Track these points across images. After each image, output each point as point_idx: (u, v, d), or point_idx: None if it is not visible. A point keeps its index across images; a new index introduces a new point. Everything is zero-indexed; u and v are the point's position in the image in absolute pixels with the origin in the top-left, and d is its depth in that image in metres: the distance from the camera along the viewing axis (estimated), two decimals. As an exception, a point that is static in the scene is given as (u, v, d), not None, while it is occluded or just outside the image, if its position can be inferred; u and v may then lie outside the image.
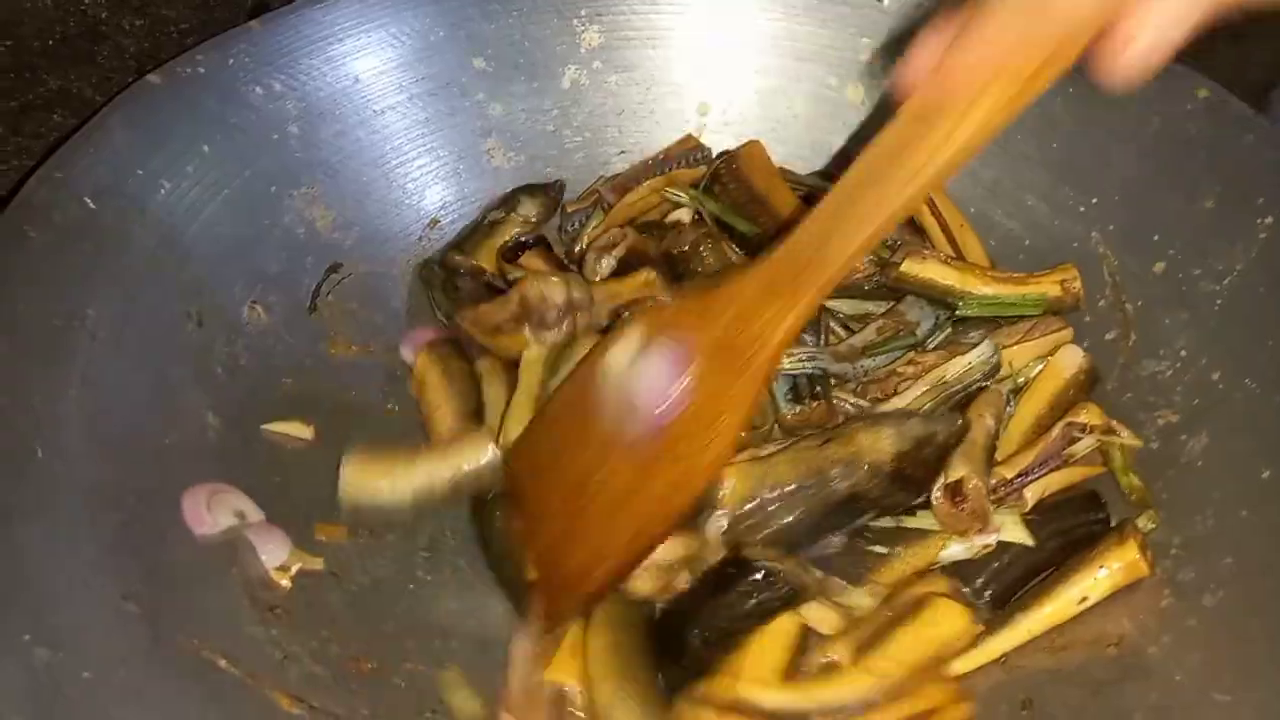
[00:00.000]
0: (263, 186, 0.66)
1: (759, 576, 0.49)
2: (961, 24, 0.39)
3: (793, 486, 0.50)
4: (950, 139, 0.40)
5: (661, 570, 0.50)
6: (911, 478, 0.51)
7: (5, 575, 0.40)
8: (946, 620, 0.52)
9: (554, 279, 0.61)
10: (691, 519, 0.50)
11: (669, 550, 0.49)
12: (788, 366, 0.59)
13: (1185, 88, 0.66)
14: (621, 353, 0.51)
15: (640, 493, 0.49)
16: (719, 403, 0.47)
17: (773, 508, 0.50)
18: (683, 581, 0.51)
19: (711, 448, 0.48)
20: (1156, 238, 0.65)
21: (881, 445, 0.50)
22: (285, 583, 0.52)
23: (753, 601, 0.49)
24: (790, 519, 0.50)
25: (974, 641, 0.52)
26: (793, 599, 0.50)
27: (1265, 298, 0.58)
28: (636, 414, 0.49)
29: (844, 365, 0.60)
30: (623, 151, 0.79)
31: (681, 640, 0.49)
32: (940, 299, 0.64)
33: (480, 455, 0.57)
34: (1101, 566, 0.53)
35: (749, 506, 0.50)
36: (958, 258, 0.68)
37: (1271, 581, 0.48)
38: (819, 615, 0.52)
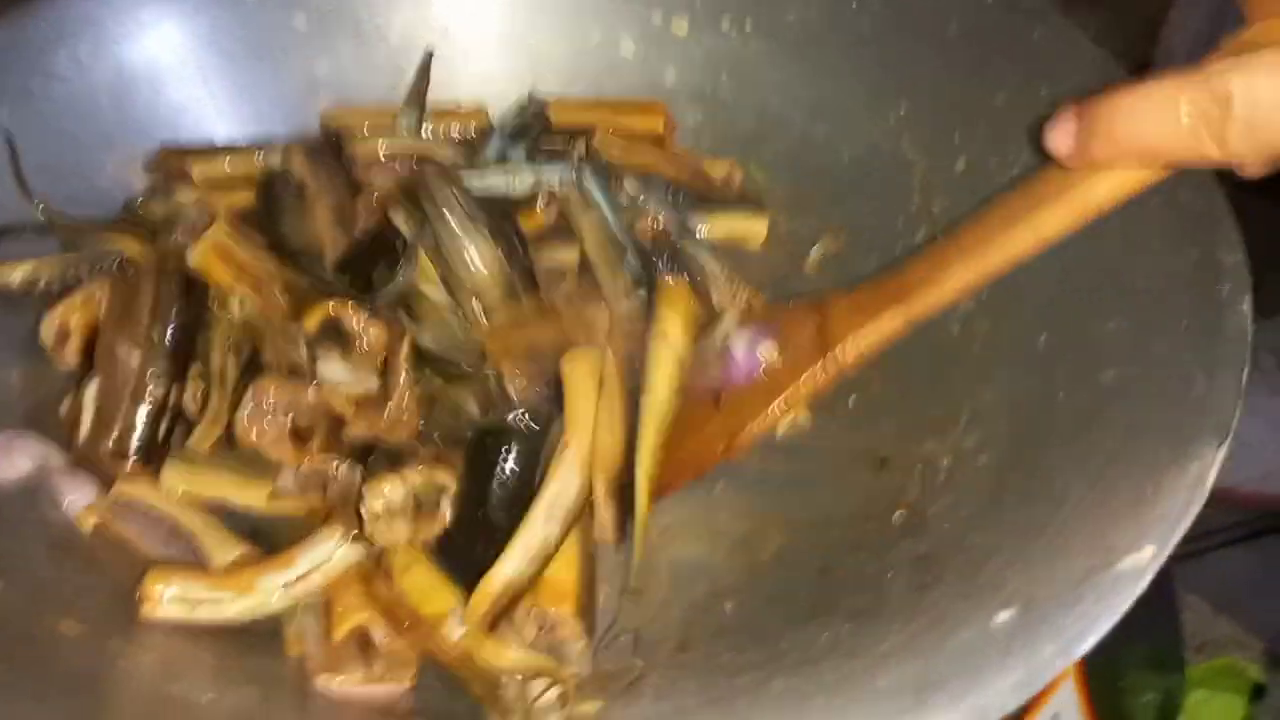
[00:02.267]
0: (74, 152, 0.66)
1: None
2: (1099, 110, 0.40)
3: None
4: (1073, 207, 0.44)
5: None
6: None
7: None
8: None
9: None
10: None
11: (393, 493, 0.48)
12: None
13: (979, -13, 0.68)
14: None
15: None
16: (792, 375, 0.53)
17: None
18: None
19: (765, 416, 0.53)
20: (957, 138, 0.67)
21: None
22: (89, 526, 0.52)
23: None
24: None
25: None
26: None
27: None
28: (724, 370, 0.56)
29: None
30: (460, 105, 0.80)
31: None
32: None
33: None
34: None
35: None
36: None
37: (1031, 436, 0.50)
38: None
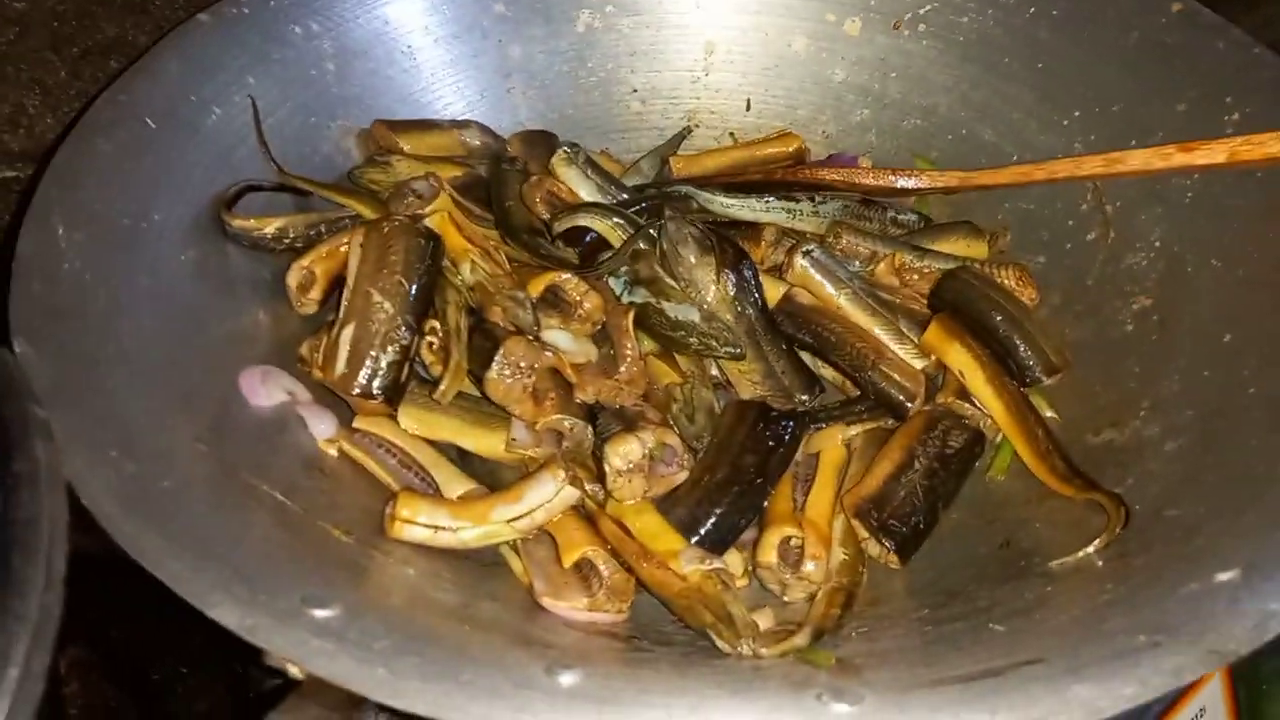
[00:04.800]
0: (303, 117, 0.72)
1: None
2: None
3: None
4: None
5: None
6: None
7: (95, 407, 0.46)
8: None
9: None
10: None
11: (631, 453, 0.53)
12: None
13: (1161, 2, 0.71)
14: None
15: None
16: None
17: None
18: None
19: None
20: (1134, 143, 0.70)
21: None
22: (333, 452, 0.57)
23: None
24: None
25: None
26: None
27: (1230, 185, 0.63)
28: None
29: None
30: (635, 90, 0.85)
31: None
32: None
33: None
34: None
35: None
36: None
37: (1223, 424, 0.52)
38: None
